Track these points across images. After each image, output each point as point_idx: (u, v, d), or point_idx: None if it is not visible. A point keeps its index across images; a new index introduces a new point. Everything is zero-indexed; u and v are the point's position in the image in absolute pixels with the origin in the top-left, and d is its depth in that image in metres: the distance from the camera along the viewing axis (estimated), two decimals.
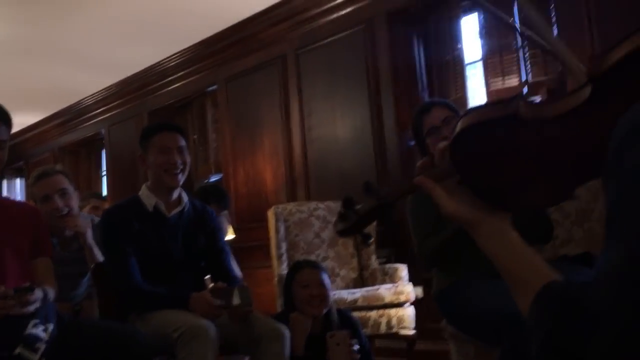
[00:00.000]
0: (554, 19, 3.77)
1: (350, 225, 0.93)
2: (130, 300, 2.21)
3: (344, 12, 4.62)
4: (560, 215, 2.81)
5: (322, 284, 2.52)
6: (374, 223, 3.86)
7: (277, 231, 3.78)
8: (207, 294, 2.10)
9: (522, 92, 3.93)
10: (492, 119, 0.78)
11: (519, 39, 3.96)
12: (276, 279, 3.57)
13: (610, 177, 0.58)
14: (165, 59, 5.95)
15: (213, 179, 5.99)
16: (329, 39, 4.71)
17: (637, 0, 3.16)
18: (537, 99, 3.80)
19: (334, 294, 3.28)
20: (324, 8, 4.71)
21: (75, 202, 2.49)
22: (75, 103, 7.24)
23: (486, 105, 0.84)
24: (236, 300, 2.07)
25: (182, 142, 2.38)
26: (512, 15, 4.00)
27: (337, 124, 4.66)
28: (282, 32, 5.05)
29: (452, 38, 4.31)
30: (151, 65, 6.12)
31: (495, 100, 0.81)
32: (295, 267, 2.65)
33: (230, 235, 4.12)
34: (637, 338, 0.56)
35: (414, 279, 3.57)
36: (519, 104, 0.76)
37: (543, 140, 0.75)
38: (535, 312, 0.69)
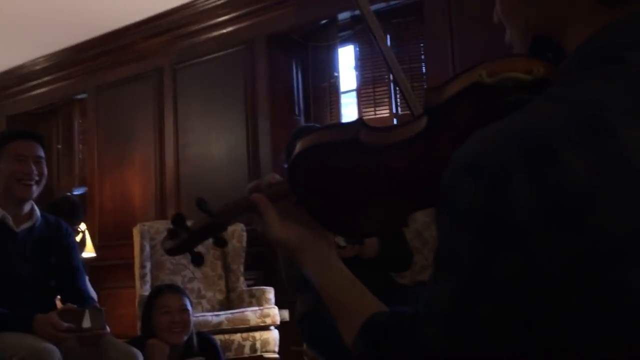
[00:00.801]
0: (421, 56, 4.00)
1: (180, 243, 0.87)
2: None
3: (225, 30, 4.60)
4: (419, 243, 2.95)
5: (184, 310, 2.45)
6: (242, 243, 3.83)
7: (142, 250, 3.63)
8: (53, 315, 1.96)
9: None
10: (332, 142, 0.77)
11: (391, 73, 4.15)
12: (137, 299, 3.42)
13: (441, 212, 0.58)
14: (29, 61, 5.57)
15: (77, 192, 5.65)
16: (209, 57, 4.66)
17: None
18: None
19: (199, 317, 3.20)
20: (204, 25, 4.66)
21: None
22: None
23: (328, 127, 0.83)
24: (86, 323, 1.95)
25: (41, 152, 2.23)
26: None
27: (212, 142, 4.60)
28: (161, 44, 4.92)
29: (330, 66, 4.43)
30: (13, 67, 5.70)
31: (337, 123, 0.81)
32: (156, 292, 2.57)
33: (88, 253, 3.90)
34: None
35: (280, 302, 3.57)
36: (360, 129, 0.76)
37: (381, 166, 0.75)
38: (359, 346, 0.68)
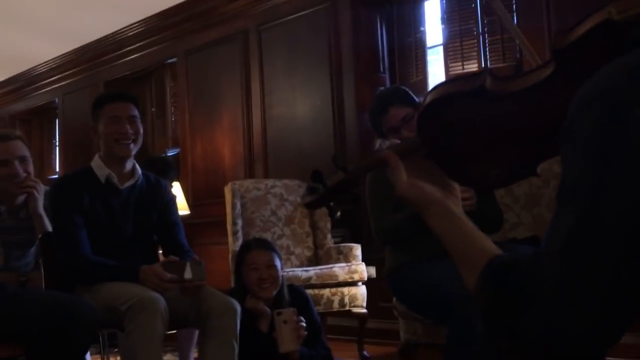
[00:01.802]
0: (514, 6, 3.83)
1: (318, 198, 0.94)
2: (78, 272, 2.17)
3: None
4: (510, 200, 2.87)
5: (272, 266, 2.50)
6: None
7: (233, 208, 3.76)
8: (158, 267, 2.08)
9: (489, 67, 3.98)
10: (461, 92, 0.80)
11: (480, 25, 4.00)
12: (230, 255, 3.56)
13: (565, 141, 0.60)
14: (123, 28, 5.80)
15: (170, 153, 5.90)
16: (292, 17, 4.66)
17: None
18: None
19: (289, 272, 3.30)
20: None
21: (32, 169, 2.42)
22: (29, 70, 7.00)
23: (455, 79, 0.86)
24: (188, 275, 2.06)
25: (134, 112, 2.32)
26: (474, 1, 4.03)
27: (297, 102, 4.64)
28: (244, 7, 4.97)
29: (415, 22, 4.32)
30: (109, 34, 5.95)
31: (465, 74, 0.83)
32: (245, 248, 2.61)
33: (182, 211, 4.08)
34: (572, 310, 0.58)
35: (367, 259, 3.61)
36: (486, 78, 0.78)
37: (508, 113, 0.78)
38: (481, 286, 0.71)
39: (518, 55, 3.85)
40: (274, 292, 2.50)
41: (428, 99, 0.82)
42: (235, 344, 2.10)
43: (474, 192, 2.22)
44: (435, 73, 4.24)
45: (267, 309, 2.44)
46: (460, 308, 1.79)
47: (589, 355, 0.62)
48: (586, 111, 0.57)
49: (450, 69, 4.09)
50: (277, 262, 2.53)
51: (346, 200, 0.96)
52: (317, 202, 0.95)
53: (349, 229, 4.09)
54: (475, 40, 4.04)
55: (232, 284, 2.84)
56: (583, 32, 0.69)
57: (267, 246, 2.61)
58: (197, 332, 2.49)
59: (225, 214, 3.79)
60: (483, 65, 4.03)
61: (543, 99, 0.75)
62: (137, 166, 2.38)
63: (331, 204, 0.96)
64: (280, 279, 2.53)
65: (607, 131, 0.55)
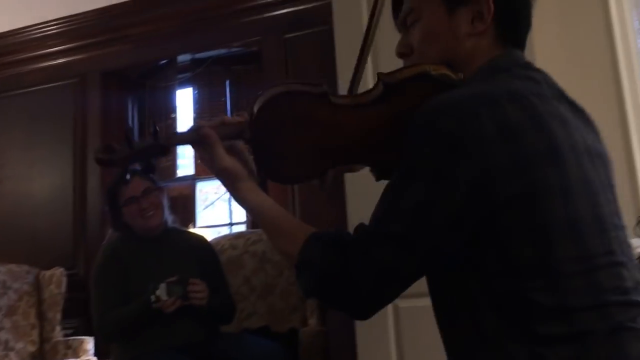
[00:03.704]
0: None
1: (118, 157, 0.92)
2: None
3: (55, 62, 4.35)
4: (246, 289, 2.95)
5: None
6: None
7: None
8: None
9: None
10: (307, 92, 0.92)
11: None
12: None
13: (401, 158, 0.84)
14: None
15: None
16: (36, 87, 4.37)
17: None
18: None
19: None
20: (33, 54, 4.38)
21: None
22: None
23: (298, 81, 0.94)
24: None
25: None
26: (225, 93, 4.23)
27: (35, 179, 4.27)
28: None
29: (167, 108, 4.36)
30: None
31: (306, 81, 0.94)
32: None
33: None
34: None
35: (102, 353, 3.35)
36: (328, 89, 0.92)
37: (338, 120, 0.92)
38: (308, 250, 0.85)
39: None
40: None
41: (276, 90, 0.92)
42: None
43: (206, 287, 2.25)
44: (184, 160, 4.29)
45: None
46: None
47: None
48: (421, 131, 0.82)
49: (198, 157, 4.17)
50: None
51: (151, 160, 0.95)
52: (115, 161, 0.94)
53: (83, 319, 3.78)
54: None
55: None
56: (407, 76, 0.92)
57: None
58: None
59: None
60: None
61: (368, 115, 0.92)
62: None
63: (127, 168, 0.97)
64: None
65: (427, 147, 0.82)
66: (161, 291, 2.17)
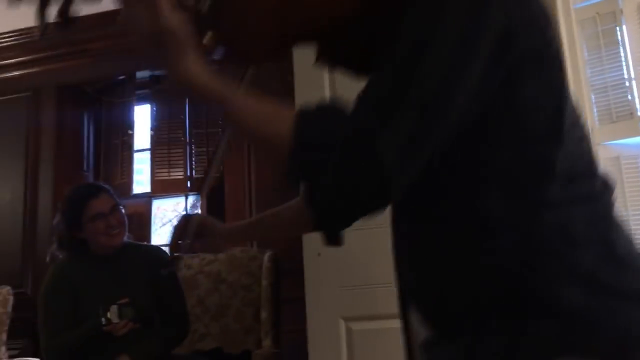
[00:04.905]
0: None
1: None
2: None
3: (8, 74, 4.25)
4: (200, 310, 2.90)
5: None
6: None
7: None
8: None
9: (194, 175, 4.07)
10: None
11: (188, 135, 4.16)
12: None
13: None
14: None
15: None
16: None
17: None
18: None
19: None
20: None
21: None
22: None
23: None
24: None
25: None
26: (184, 110, 4.20)
27: None
28: None
29: (124, 124, 4.30)
30: None
31: None
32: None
33: None
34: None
35: None
36: None
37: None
38: (300, 124, 0.74)
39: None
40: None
41: None
42: None
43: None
44: (141, 176, 4.23)
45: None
46: None
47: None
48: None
49: (156, 174, 4.12)
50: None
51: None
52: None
53: (30, 340, 3.66)
54: (182, 149, 4.16)
55: None
56: None
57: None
58: None
59: None
60: (189, 174, 4.16)
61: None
62: None
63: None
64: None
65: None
66: (112, 313, 2.12)
